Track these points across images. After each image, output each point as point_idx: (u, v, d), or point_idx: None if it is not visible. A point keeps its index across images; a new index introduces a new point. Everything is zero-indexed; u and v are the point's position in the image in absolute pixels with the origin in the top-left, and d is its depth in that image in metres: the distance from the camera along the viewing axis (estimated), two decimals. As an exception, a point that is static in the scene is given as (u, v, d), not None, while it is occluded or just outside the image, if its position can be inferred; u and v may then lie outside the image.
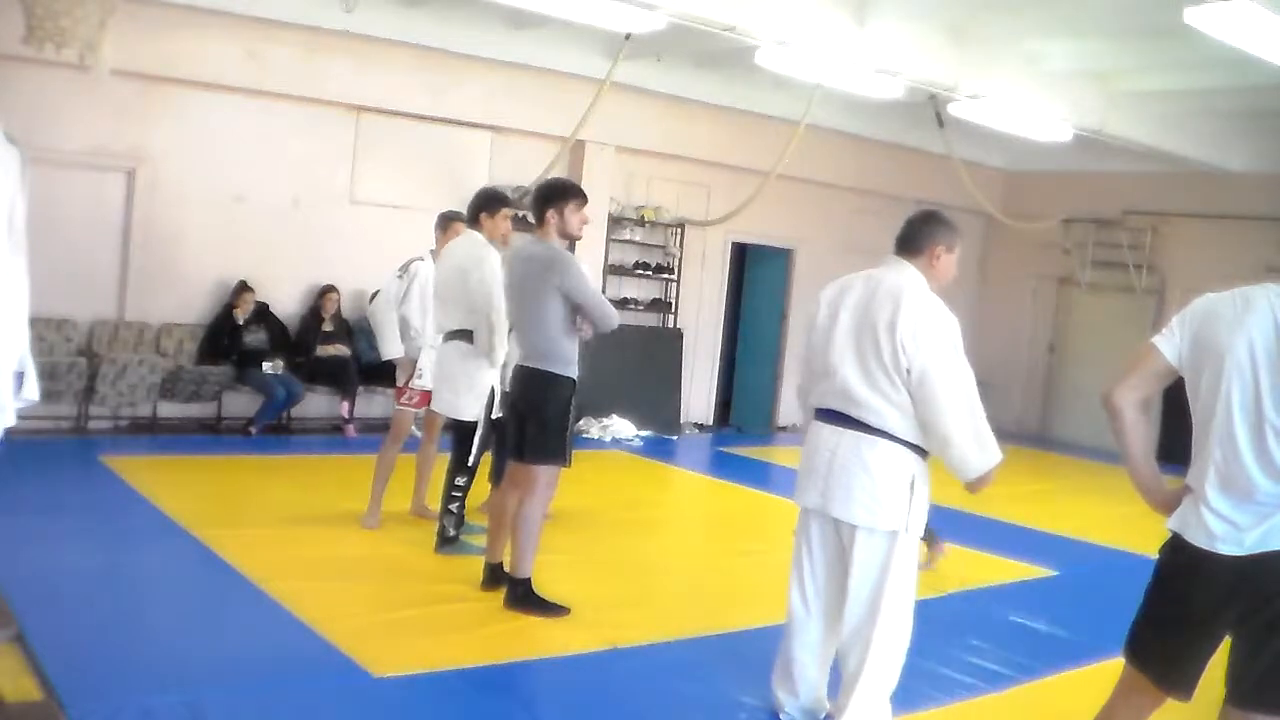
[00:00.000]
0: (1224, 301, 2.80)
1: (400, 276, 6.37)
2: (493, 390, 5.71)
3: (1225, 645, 2.80)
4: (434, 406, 6.02)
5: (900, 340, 3.59)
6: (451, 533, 5.86)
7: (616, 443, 10.34)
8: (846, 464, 3.71)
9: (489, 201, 5.96)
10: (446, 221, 6.40)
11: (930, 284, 3.78)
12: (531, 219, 5.26)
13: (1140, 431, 2.93)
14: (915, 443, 3.68)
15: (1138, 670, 2.93)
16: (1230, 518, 2.71)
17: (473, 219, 5.96)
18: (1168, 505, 2.90)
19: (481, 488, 6.14)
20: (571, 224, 4.96)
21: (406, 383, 6.31)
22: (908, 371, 3.59)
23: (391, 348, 6.31)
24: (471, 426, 5.74)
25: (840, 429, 3.74)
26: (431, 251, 6.40)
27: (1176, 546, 2.84)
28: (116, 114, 8.36)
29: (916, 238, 3.83)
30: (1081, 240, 13.34)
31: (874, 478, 3.66)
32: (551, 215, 4.93)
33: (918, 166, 12.32)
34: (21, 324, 3.07)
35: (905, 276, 3.75)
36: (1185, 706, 2.90)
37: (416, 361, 6.27)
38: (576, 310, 4.85)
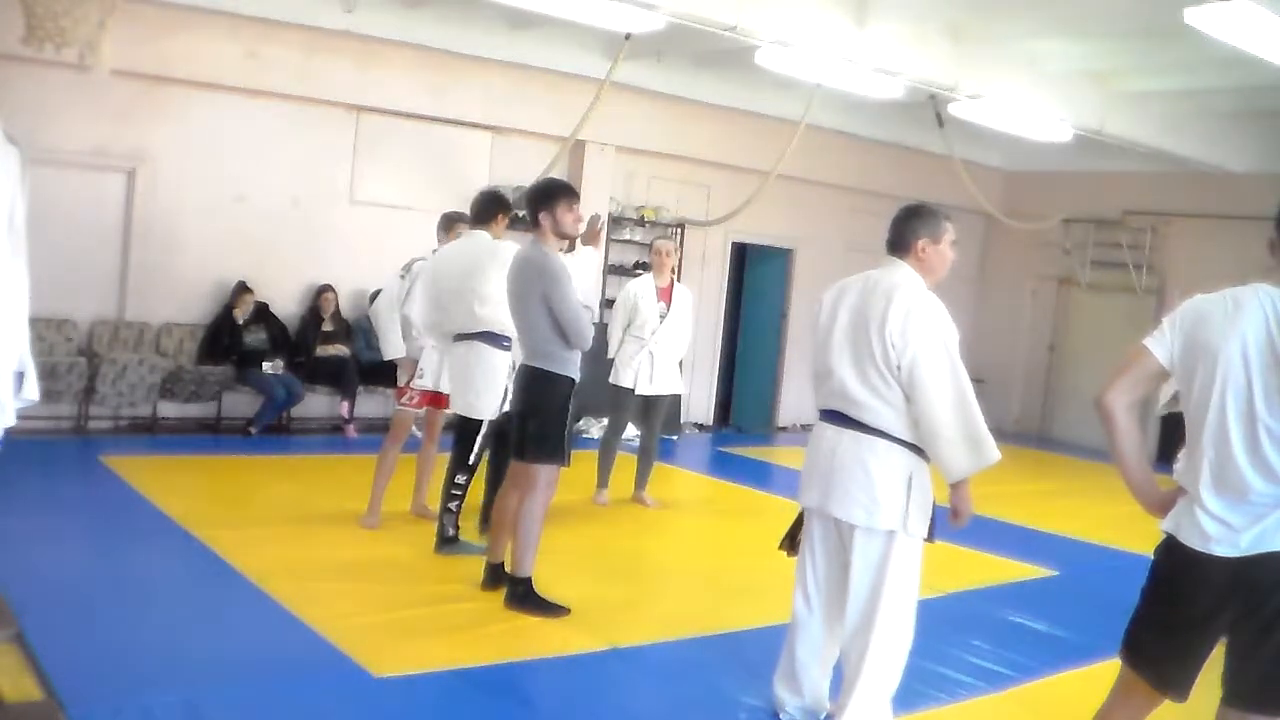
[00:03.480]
0: (1215, 302, 2.80)
1: (403, 276, 6.36)
2: (506, 389, 5.69)
3: (1222, 646, 2.80)
4: (455, 409, 5.92)
5: (889, 336, 3.60)
6: (451, 532, 5.85)
7: (616, 443, 10.33)
8: (845, 464, 3.72)
9: (498, 204, 5.96)
10: (450, 222, 6.39)
11: (926, 280, 3.78)
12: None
13: (1132, 433, 2.92)
14: (913, 442, 3.68)
15: (1134, 672, 2.93)
16: (1224, 519, 2.70)
17: (484, 219, 5.92)
18: (1161, 507, 2.89)
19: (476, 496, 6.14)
20: (565, 224, 4.95)
21: (408, 383, 6.30)
22: (898, 367, 3.60)
23: (393, 348, 6.31)
24: (476, 425, 5.73)
25: (840, 429, 3.76)
26: (435, 252, 6.39)
27: (1171, 548, 2.83)
28: (116, 114, 8.36)
29: (901, 235, 3.84)
30: (1081, 240, 13.34)
31: (872, 477, 3.67)
32: (544, 217, 4.94)
33: (918, 166, 12.31)
34: (21, 324, 3.07)
35: (899, 275, 3.76)
36: (1183, 707, 2.90)
37: (418, 362, 6.26)
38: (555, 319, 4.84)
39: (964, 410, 3.61)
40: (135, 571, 5.30)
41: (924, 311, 3.64)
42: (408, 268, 6.39)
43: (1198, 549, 2.74)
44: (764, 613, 4.95)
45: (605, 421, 10.48)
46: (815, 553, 3.93)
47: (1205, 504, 2.74)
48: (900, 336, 3.59)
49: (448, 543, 5.84)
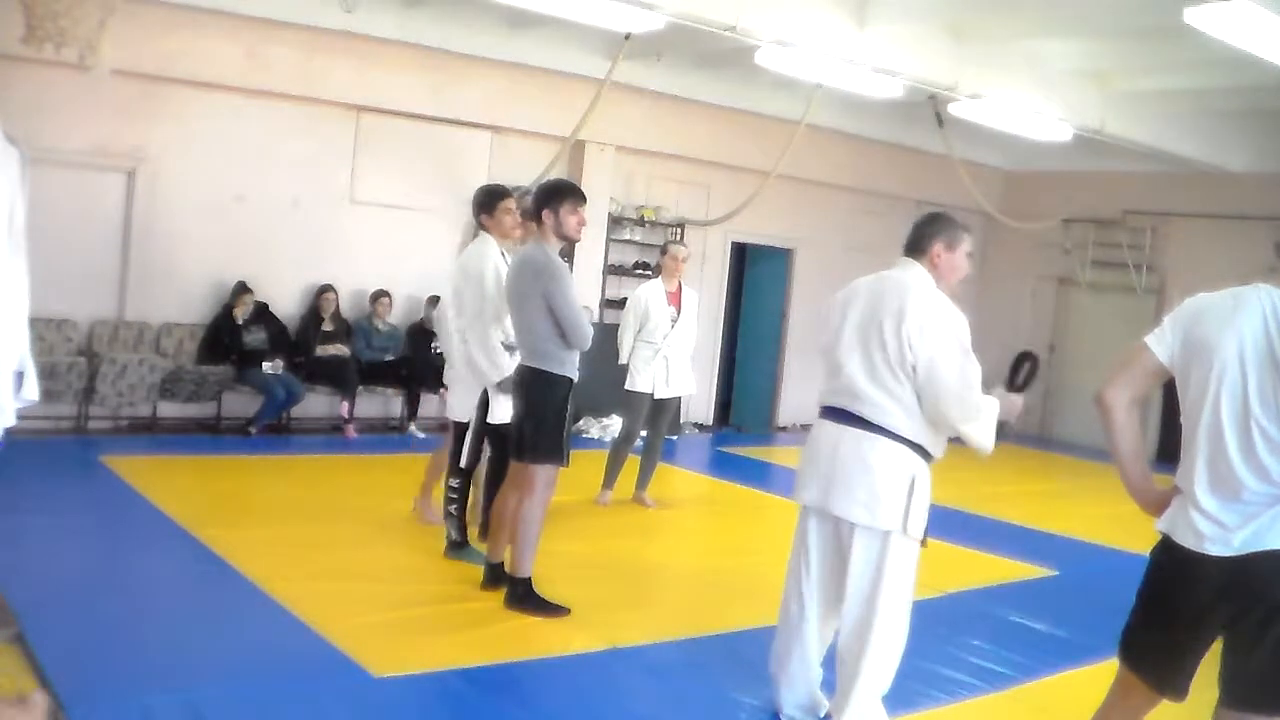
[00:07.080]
0: (1215, 301, 2.80)
1: None
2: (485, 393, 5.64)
3: (1220, 646, 2.79)
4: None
5: (907, 335, 3.60)
6: (454, 536, 5.80)
7: (616, 443, 10.33)
8: (847, 461, 3.71)
9: (495, 197, 5.83)
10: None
11: (940, 285, 3.80)
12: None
13: (1130, 431, 2.92)
14: (918, 442, 3.68)
15: (1132, 671, 2.93)
16: (1218, 518, 2.70)
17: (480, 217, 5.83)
18: (1158, 505, 2.89)
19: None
20: (568, 225, 4.93)
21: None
22: (913, 367, 3.60)
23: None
24: (464, 428, 5.71)
25: (843, 426, 3.75)
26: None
27: (1166, 547, 2.84)
28: (116, 114, 8.35)
29: (919, 238, 3.87)
30: (1081, 240, 13.34)
31: (874, 476, 3.66)
32: (547, 216, 4.92)
33: (918, 166, 12.32)
34: (21, 324, 3.07)
35: (911, 275, 3.78)
36: (1181, 707, 2.90)
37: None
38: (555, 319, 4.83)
39: (978, 409, 3.65)
40: (135, 571, 5.30)
41: (940, 313, 3.66)
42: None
43: (1191, 548, 2.74)
44: (764, 613, 4.93)
45: (604, 422, 10.55)
46: (809, 550, 3.91)
47: (1200, 503, 2.74)
48: (919, 336, 3.59)
49: (453, 547, 5.81)
